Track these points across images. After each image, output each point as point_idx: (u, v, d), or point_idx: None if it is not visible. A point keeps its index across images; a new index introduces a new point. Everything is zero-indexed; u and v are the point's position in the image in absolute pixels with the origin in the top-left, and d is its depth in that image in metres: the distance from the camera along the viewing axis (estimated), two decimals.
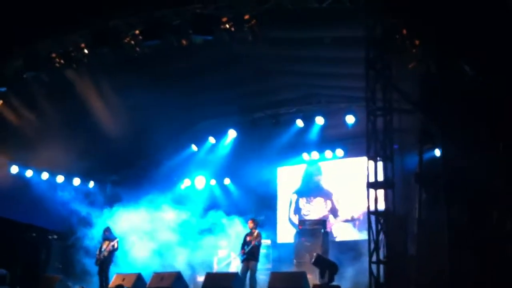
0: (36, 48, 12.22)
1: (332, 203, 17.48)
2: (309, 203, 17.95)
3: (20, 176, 16.32)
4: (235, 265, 15.48)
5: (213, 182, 19.53)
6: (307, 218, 17.22)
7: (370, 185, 9.23)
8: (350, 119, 15.43)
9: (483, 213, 8.44)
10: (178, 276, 12.74)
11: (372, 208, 9.25)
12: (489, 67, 8.54)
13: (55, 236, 16.51)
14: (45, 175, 16.95)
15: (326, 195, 17.67)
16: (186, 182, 19.40)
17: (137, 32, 11.55)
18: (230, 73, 13.95)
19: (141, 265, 15.48)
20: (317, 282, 12.79)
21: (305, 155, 17.93)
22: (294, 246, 15.69)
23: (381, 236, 9.22)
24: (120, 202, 16.77)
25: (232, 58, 13.18)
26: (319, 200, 17.75)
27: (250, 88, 15.08)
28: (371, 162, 9.35)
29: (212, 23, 10.84)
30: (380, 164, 9.48)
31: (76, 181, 17.83)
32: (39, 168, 16.73)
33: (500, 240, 8.33)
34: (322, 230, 15.16)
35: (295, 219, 17.77)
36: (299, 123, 16.49)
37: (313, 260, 12.86)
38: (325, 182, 17.89)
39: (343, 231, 16.99)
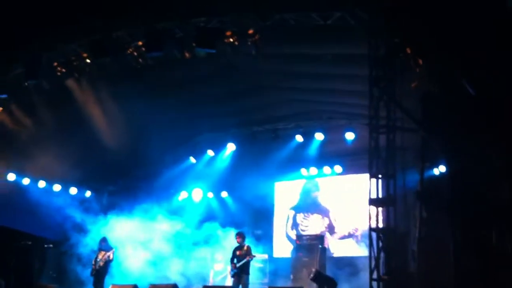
0: (38, 56, 12.19)
1: (329, 220, 17.47)
2: (306, 219, 17.93)
3: (16, 184, 16.25)
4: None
5: (210, 194, 19.50)
6: (304, 233, 17.20)
7: (371, 202, 9.21)
8: (349, 135, 15.44)
9: (484, 232, 8.43)
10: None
11: (373, 225, 9.22)
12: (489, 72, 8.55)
13: (51, 245, 16.39)
14: (41, 183, 16.88)
15: (324, 212, 17.66)
16: (183, 194, 19.38)
17: (140, 43, 11.56)
18: (231, 86, 13.97)
19: (136, 275, 15.40)
20: None
21: (303, 171, 17.95)
22: (291, 261, 15.67)
23: (381, 253, 9.21)
24: (116, 211, 16.68)
25: (234, 72, 13.20)
26: (316, 216, 17.74)
27: (250, 102, 15.09)
28: (373, 179, 9.33)
29: (216, 37, 10.86)
30: (379, 181, 9.48)
31: (73, 190, 17.77)
32: (36, 176, 16.65)
33: (501, 264, 8.32)
34: (320, 246, 15.14)
35: (293, 235, 17.74)
36: (299, 138, 16.49)
37: (312, 276, 12.82)
38: (323, 199, 17.88)
39: (340, 247, 16.97)
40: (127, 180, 18.93)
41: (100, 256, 13.75)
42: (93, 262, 13.82)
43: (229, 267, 14.43)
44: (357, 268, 14.53)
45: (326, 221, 17.50)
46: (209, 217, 18.45)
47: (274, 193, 18.91)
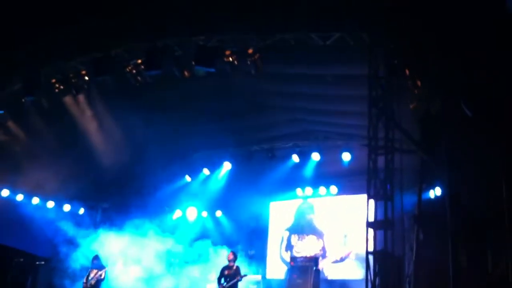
0: (36, 73, 12.16)
1: (323, 243, 17.36)
2: (301, 240, 17.82)
3: (9, 200, 16.12)
4: None
5: (204, 214, 19.40)
6: (299, 255, 17.06)
7: (369, 225, 9.15)
8: (346, 156, 15.44)
9: (482, 256, 8.40)
10: None
11: (370, 248, 9.15)
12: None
13: (42, 262, 16.22)
14: (35, 200, 16.77)
15: (319, 234, 17.56)
16: (177, 213, 19.27)
17: (139, 61, 11.56)
18: (228, 105, 13.93)
19: None
20: None
21: (298, 191, 17.89)
22: (285, 283, 15.52)
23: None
24: (109, 228, 16.56)
25: (231, 90, 13.18)
26: (311, 238, 17.63)
27: (247, 121, 15.06)
28: (371, 201, 9.29)
29: (215, 56, 10.85)
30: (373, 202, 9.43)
31: (67, 207, 17.66)
32: (30, 192, 16.54)
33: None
34: (314, 268, 14.98)
35: (287, 256, 17.61)
36: (295, 158, 16.46)
37: None
38: (318, 221, 17.79)
39: (334, 270, 16.84)
40: (121, 197, 18.78)
41: (92, 274, 13.59)
42: (84, 280, 13.63)
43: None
44: None
45: (321, 243, 17.40)
46: (202, 236, 18.34)
47: (269, 213, 18.81)
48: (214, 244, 16.90)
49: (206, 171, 17.95)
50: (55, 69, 12.20)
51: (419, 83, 9.51)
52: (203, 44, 10.88)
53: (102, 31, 11.01)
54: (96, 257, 13.99)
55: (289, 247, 17.98)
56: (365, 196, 9.61)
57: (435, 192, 12.26)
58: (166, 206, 19.06)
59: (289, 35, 10.13)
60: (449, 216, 8.34)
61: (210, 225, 19.37)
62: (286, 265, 16.96)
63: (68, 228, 16.53)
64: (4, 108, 12.93)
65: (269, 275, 17.76)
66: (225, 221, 19.25)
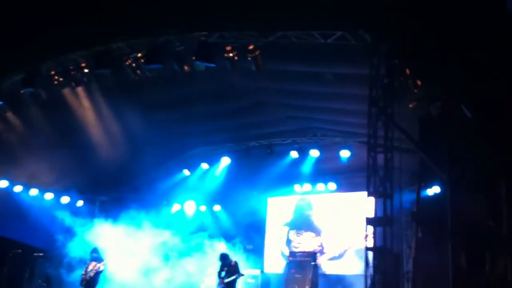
0: (36, 65, 12.13)
1: (322, 239, 17.41)
2: (299, 236, 17.87)
3: (7, 191, 16.12)
4: None
5: (203, 208, 19.44)
6: (297, 250, 17.13)
7: (369, 222, 9.18)
8: (344, 153, 15.49)
9: (481, 256, 8.44)
10: None
11: (370, 244, 9.20)
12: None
13: (40, 254, 16.25)
14: (33, 191, 16.76)
15: (316, 231, 17.62)
16: (175, 207, 19.31)
17: (139, 55, 11.51)
18: (228, 102, 13.96)
19: (125, 287, 15.28)
20: None
21: (297, 187, 17.92)
22: (283, 277, 15.60)
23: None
24: (107, 221, 16.60)
25: (231, 88, 13.18)
26: (309, 234, 17.70)
27: (246, 118, 15.10)
28: (371, 198, 9.32)
29: (216, 51, 10.81)
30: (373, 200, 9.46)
31: (65, 199, 17.66)
32: (28, 184, 16.54)
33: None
34: (312, 263, 15.09)
35: (286, 251, 17.69)
36: (294, 154, 16.50)
37: None
38: (316, 217, 17.84)
39: (332, 265, 16.91)
40: (119, 190, 18.83)
41: (90, 267, 13.67)
42: (83, 272, 13.73)
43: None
44: (349, 286, 14.50)
45: (319, 240, 17.45)
46: (201, 230, 18.42)
47: (266, 208, 18.86)
48: (214, 239, 16.92)
49: (204, 166, 17.97)
50: (55, 61, 12.13)
51: (419, 83, 9.52)
52: (204, 39, 10.83)
53: (105, 26, 10.98)
54: (95, 250, 14.06)
55: (288, 242, 18.04)
56: (363, 193, 9.65)
57: (433, 190, 12.30)
58: (164, 200, 19.09)
59: (290, 33, 10.10)
60: (449, 218, 8.36)
61: (208, 219, 19.43)
62: (285, 259, 17.04)
63: (66, 220, 16.58)
64: (3, 99, 12.86)
65: (267, 269, 17.83)
66: (223, 215, 19.31)
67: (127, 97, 12.86)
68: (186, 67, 11.38)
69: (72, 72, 12.14)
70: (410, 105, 9.91)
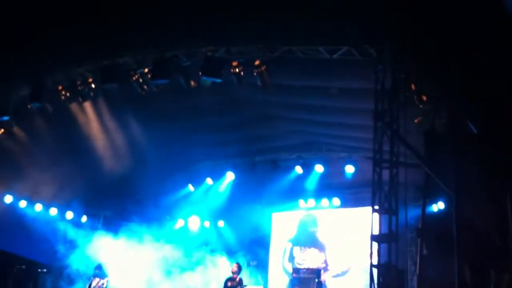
0: (43, 79, 12.20)
1: (326, 256, 17.32)
2: (303, 253, 17.77)
3: (12, 206, 16.11)
4: None
5: (207, 223, 19.39)
6: (301, 267, 17.02)
7: (373, 238, 9.14)
8: (349, 168, 15.47)
9: (486, 273, 8.38)
10: None
11: (374, 261, 9.15)
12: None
13: (44, 270, 16.22)
14: (38, 207, 16.74)
15: (321, 247, 17.51)
16: (179, 222, 19.25)
17: (146, 70, 11.59)
18: (233, 116, 14.00)
19: None
20: None
21: (301, 202, 17.88)
22: None
23: None
24: (111, 236, 16.56)
25: (237, 101, 13.24)
26: (313, 250, 17.58)
27: (252, 132, 15.11)
28: (376, 215, 9.29)
29: (222, 66, 10.89)
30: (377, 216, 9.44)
31: (69, 215, 17.62)
32: (33, 199, 16.52)
33: None
34: (316, 280, 14.97)
35: (289, 267, 17.56)
36: (298, 169, 16.47)
37: None
38: (321, 234, 17.73)
39: (337, 283, 16.79)
40: (122, 205, 18.81)
41: (94, 283, 13.67)
42: None
43: None
44: None
45: (323, 256, 17.35)
46: (205, 245, 18.32)
47: (271, 224, 18.79)
48: (218, 254, 16.86)
49: (209, 181, 17.96)
50: (62, 76, 12.21)
51: (424, 97, 9.54)
52: (211, 55, 10.90)
53: (112, 41, 11.06)
54: (99, 266, 14.07)
55: (291, 258, 17.94)
56: (367, 208, 9.61)
57: (438, 206, 12.26)
58: (168, 215, 19.04)
59: (296, 48, 10.17)
60: (455, 234, 8.31)
61: (212, 234, 19.35)
62: (288, 275, 16.90)
63: (70, 236, 16.53)
64: (9, 114, 12.90)
65: (271, 286, 17.71)
66: (227, 231, 19.23)
67: (132, 110, 12.91)
68: (192, 82, 11.45)
69: (80, 87, 12.22)
70: (416, 120, 9.93)
